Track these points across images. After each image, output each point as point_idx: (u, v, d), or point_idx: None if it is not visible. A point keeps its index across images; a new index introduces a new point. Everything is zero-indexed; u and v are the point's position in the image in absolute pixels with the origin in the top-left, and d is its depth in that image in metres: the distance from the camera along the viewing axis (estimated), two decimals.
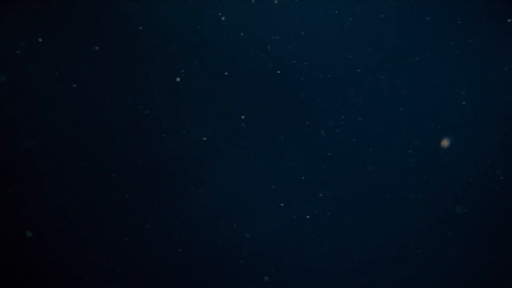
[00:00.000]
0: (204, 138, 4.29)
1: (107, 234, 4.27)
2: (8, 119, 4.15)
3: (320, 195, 4.34)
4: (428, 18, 4.16)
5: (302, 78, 4.25)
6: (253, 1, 4.11)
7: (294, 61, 4.23)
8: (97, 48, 4.16)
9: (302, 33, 4.19)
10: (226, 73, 4.21)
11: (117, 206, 4.28)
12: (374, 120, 4.29)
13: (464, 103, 4.23)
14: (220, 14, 4.16)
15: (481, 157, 4.28)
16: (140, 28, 4.17)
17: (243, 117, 4.28)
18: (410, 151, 4.29)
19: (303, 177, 4.34)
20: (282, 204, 4.34)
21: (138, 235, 4.28)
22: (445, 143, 3.96)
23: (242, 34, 4.19)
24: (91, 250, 4.26)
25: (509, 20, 4.04)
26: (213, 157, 4.32)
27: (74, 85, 4.17)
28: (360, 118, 4.29)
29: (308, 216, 4.34)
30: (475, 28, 4.18)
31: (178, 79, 4.16)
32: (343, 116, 4.29)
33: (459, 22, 4.17)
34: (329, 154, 4.33)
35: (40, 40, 4.10)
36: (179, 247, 4.32)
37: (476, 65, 4.21)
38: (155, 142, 4.28)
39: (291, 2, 4.15)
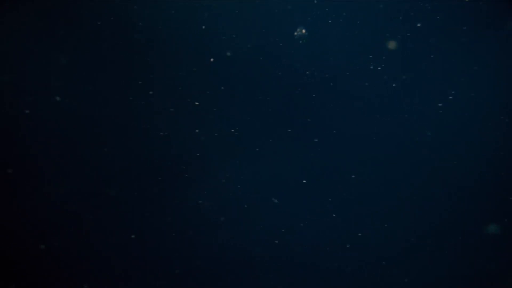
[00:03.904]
0: (204, 138, 4.30)
1: (106, 234, 4.27)
2: (8, 119, 4.15)
3: (320, 195, 4.35)
4: (430, 18, 4.19)
5: (302, 78, 4.26)
6: (255, 1, 4.13)
7: (294, 62, 4.24)
8: (98, 48, 4.16)
9: (303, 33, 4.20)
10: (224, 74, 4.23)
11: (116, 206, 4.28)
12: (374, 120, 4.30)
13: (464, 102, 4.25)
14: (220, 14, 4.17)
15: (481, 157, 4.30)
16: (141, 29, 4.17)
17: (244, 117, 4.29)
18: (410, 151, 4.31)
19: (303, 178, 4.35)
20: (282, 205, 4.35)
21: (138, 234, 4.29)
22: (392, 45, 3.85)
23: (243, 34, 4.20)
24: (90, 250, 4.26)
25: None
26: (213, 158, 4.33)
27: (74, 86, 4.17)
28: (360, 118, 4.30)
29: (308, 216, 4.34)
30: (475, 28, 4.20)
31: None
32: (343, 117, 4.30)
33: (459, 22, 4.19)
34: (329, 154, 4.33)
35: (40, 40, 4.11)
36: (179, 248, 4.32)
37: (476, 64, 4.23)
38: (155, 143, 4.28)
39: (291, 3, 4.17)
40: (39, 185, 4.20)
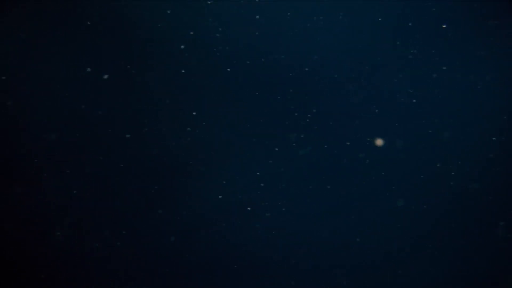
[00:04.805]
0: (204, 138, 4.29)
1: (106, 233, 4.26)
2: (9, 118, 4.14)
3: (319, 195, 4.34)
4: (429, 18, 4.19)
5: (303, 77, 4.26)
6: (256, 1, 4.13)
7: (295, 61, 4.24)
8: (97, 47, 4.15)
9: (304, 32, 4.20)
10: (227, 70, 4.22)
11: (116, 206, 4.27)
12: (374, 119, 4.30)
13: (463, 102, 4.26)
14: (220, 13, 4.17)
15: (481, 157, 4.30)
16: (141, 27, 4.17)
17: (243, 116, 4.29)
18: (410, 151, 4.31)
19: (304, 178, 4.34)
20: (282, 204, 4.35)
21: (139, 234, 4.28)
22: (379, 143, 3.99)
23: (242, 33, 4.19)
24: (90, 250, 4.25)
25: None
26: (214, 158, 4.32)
27: (74, 85, 4.16)
28: (360, 118, 4.30)
29: (308, 216, 4.34)
30: (474, 28, 4.20)
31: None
32: (343, 116, 4.30)
33: (459, 22, 4.19)
34: (329, 154, 4.33)
35: (40, 39, 4.10)
36: (179, 247, 4.31)
37: (476, 64, 4.24)
38: (155, 142, 4.28)
39: (291, 1, 4.17)
40: (37, 185, 4.19)
